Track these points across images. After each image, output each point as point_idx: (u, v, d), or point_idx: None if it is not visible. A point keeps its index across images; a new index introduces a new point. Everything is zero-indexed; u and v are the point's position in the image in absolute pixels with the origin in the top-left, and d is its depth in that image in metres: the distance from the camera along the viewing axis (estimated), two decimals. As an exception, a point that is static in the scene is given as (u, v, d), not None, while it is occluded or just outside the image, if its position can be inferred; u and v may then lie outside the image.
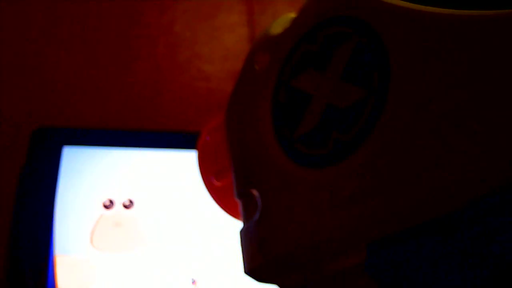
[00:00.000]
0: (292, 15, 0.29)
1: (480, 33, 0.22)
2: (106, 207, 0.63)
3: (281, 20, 0.30)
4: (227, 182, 0.31)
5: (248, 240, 0.28)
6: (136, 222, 0.64)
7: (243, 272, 0.29)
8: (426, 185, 0.22)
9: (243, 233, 0.29)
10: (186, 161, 0.65)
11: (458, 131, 0.21)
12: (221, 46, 0.81)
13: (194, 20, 0.81)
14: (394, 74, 0.23)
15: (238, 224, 0.30)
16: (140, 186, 0.65)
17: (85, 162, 0.65)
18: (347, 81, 0.25)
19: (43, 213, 0.62)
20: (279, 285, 0.28)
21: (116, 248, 0.63)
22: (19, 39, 0.76)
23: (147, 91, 0.78)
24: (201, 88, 0.79)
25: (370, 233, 0.23)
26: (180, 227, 0.64)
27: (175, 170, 0.66)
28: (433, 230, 0.22)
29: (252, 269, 0.28)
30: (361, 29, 0.25)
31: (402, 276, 0.23)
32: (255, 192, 0.28)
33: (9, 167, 0.68)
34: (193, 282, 0.62)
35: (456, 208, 0.21)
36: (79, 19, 0.78)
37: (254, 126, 0.28)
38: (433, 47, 0.23)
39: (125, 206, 0.64)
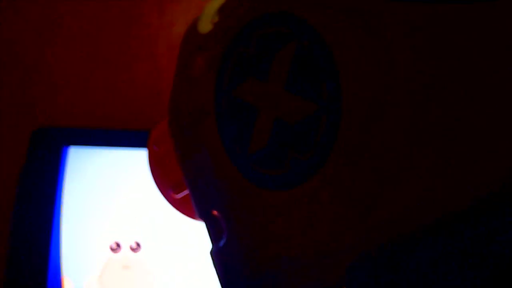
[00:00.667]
0: (220, 1, 0.26)
1: (446, 27, 0.20)
2: (113, 249, 0.63)
3: (208, 11, 0.26)
4: (186, 194, 0.29)
5: (221, 264, 0.27)
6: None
7: None
8: (425, 187, 0.21)
9: (214, 256, 0.27)
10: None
11: (456, 133, 0.21)
12: (221, 46, 0.81)
13: (194, 20, 0.81)
14: (345, 81, 0.21)
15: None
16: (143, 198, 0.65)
17: (85, 162, 0.65)
18: (292, 92, 0.22)
19: (43, 213, 0.62)
20: None
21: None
22: (19, 39, 0.76)
23: (147, 91, 0.78)
24: (201, 88, 0.79)
25: (371, 236, 0.23)
26: (181, 228, 0.64)
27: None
28: (433, 231, 0.22)
29: None
30: (300, 29, 0.22)
31: (402, 276, 0.23)
32: (216, 213, 0.26)
33: (9, 167, 0.68)
34: None
35: (456, 209, 0.21)
36: (79, 19, 0.78)
37: (201, 142, 0.26)
38: (388, 46, 0.21)
39: (133, 249, 0.64)
